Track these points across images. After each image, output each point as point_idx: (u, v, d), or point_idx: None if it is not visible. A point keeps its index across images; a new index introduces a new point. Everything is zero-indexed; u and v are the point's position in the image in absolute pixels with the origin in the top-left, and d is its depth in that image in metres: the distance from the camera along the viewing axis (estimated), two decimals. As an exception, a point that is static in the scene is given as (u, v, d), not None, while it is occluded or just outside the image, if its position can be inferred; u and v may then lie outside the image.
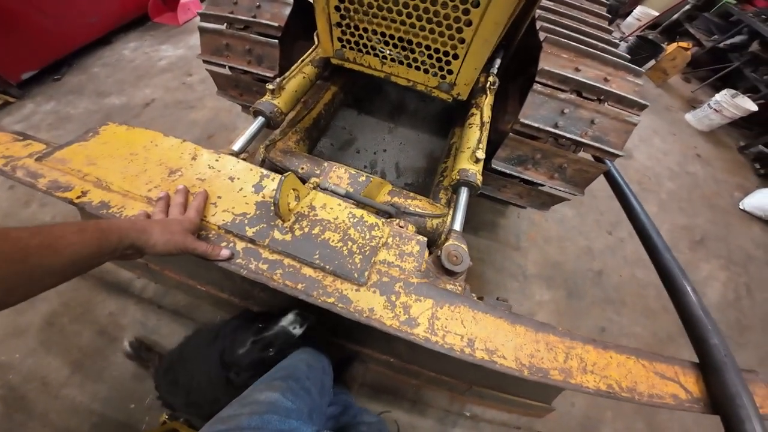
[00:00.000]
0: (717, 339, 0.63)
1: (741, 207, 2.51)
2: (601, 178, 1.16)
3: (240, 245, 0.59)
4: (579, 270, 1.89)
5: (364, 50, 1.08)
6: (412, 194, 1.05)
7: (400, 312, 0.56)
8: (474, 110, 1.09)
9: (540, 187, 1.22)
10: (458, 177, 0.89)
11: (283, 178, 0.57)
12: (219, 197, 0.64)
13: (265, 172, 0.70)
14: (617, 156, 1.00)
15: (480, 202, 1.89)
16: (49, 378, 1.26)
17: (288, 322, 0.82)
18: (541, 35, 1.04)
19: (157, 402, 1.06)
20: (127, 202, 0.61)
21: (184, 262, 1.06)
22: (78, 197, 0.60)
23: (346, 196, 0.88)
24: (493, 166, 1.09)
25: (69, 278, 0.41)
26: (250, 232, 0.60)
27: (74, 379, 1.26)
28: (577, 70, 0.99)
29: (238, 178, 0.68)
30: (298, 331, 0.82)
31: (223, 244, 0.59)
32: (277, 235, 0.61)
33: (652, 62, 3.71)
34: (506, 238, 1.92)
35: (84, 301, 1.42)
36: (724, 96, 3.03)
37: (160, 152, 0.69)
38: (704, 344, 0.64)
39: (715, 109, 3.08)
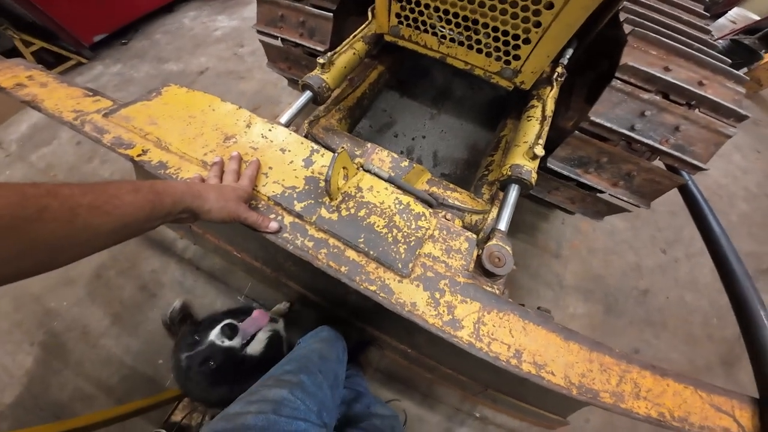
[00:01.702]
0: None
1: (827, 241, 2.17)
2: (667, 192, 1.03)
3: (288, 219, 0.58)
4: (623, 287, 1.75)
5: (422, 28, 1.01)
6: (452, 186, 1.00)
7: (443, 311, 0.53)
8: (535, 102, 1.00)
9: (599, 194, 1.11)
10: (510, 173, 0.82)
11: (336, 154, 0.55)
12: (270, 168, 0.64)
13: (315, 146, 0.68)
14: (700, 170, 0.88)
15: (521, 201, 1.77)
16: (89, 327, 1.36)
17: (215, 335, 0.81)
18: (626, 27, 0.91)
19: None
20: (183, 164, 0.62)
21: (225, 228, 1.10)
22: (138, 155, 0.62)
23: (389, 180, 0.85)
24: (548, 165, 1.00)
25: (119, 241, 0.39)
26: (298, 206, 0.59)
27: (112, 330, 1.36)
28: (666, 69, 0.86)
29: (290, 151, 0.67)
30: (227, 343, 0.81)
31: (272, 216, 0.58)
32: (324, 212, 0.59)
33: (745, 70, 3.25)
34: (546, 243, 1.81)
35: (131, 256, 1.54)
36: (825, 112, 2.58)
37: (217, 117, 0.70)
38: None
39: (811, 127, 2.64)
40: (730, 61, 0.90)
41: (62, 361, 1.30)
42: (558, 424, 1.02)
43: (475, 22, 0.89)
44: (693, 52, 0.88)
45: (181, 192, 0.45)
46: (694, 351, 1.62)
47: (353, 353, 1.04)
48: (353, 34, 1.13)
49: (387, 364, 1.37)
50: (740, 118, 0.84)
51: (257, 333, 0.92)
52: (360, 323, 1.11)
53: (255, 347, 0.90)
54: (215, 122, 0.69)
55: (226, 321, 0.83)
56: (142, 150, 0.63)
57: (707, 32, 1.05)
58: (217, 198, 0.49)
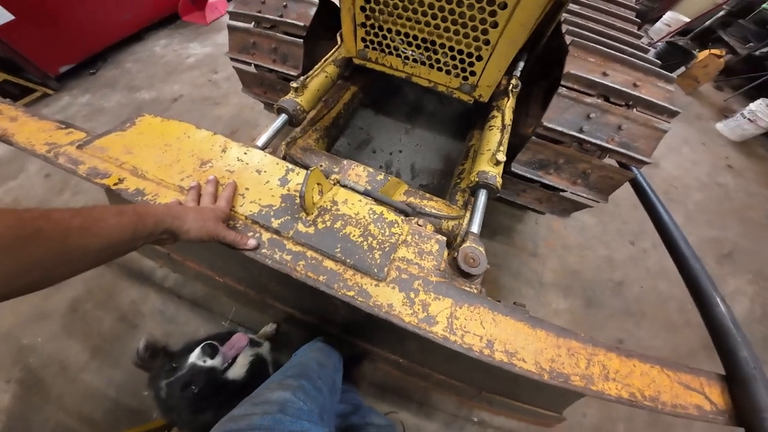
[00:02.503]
0: (747, 351, 0.62)
1: (776, 222, 2.38)
2: (626, 186, 1.13)
3: (266, 236, 0.61)
4: (598, 280, 1.84)
5: (386, 51, 1.09)
6: (428, 195, 1.05)
7: (418, 309, 0.56)
8: (495, 112, 1.08)
9: (561, 193, 1.19)
10: (477, 179, 0.88)
11: (309, 172, 0.59)
12: (247, 189, 0.66)
13: (290, 166, 0.71)
14: (645, 163, 0.97)
15: (497, 206, 1.87)
16: (68, 362, 1.30)
17: (196, 356, 0.82)
18: (568, 38, 1.02)
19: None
20: (160, 190, 0.64)
21: (206, 253, 1.10)
22: (115, 184, 0.63)
23: (365, 194, 0.89)
24: (513, 169, 1.08)
25: (105, 261, 0.41)
26: (275, 223, 0.62)
27: (92, 364, 1.31)
28: (604, 74, 0.97)
29: (265, 171, 0.70)
30: (209, 363, 0.82)
31: (250, 234, 0.60)
32: (300, 227, 0.62)
33: (682, 69, 3.57)
34: (523, 244, 1.89)
35: (108, 288, 1.49)
36: (759, 105, 2.89)
37: (193, 144, 0.72)
38: (733, 356, 0.62)
39: (749, 119, 2.94)
40: (660, 62, 1.02)
41: (42, 397, 1.24)
42: (555, 421, 1.03)
43: (434, 43, 0.97)
44: (626, 57, 0.99)
45: (162, 213, 0.47)
46: (675, 337, 1.70)
47: (346, 369, 1.04)
48: (324, 58, 1.20)
49: (380, 377, 1.37)
50: (672, 114, 0.94)
51: (238, 356, 0.91)
52: (350, 338, 1.12)
53: (237, 371, 0.90)
54: (191, 149, 0.72)
55: (206, 342, 0.83)
56: (119, 179, 0.64)
57: (639, 37, 1.18)
58: (195, 218, 0.51)
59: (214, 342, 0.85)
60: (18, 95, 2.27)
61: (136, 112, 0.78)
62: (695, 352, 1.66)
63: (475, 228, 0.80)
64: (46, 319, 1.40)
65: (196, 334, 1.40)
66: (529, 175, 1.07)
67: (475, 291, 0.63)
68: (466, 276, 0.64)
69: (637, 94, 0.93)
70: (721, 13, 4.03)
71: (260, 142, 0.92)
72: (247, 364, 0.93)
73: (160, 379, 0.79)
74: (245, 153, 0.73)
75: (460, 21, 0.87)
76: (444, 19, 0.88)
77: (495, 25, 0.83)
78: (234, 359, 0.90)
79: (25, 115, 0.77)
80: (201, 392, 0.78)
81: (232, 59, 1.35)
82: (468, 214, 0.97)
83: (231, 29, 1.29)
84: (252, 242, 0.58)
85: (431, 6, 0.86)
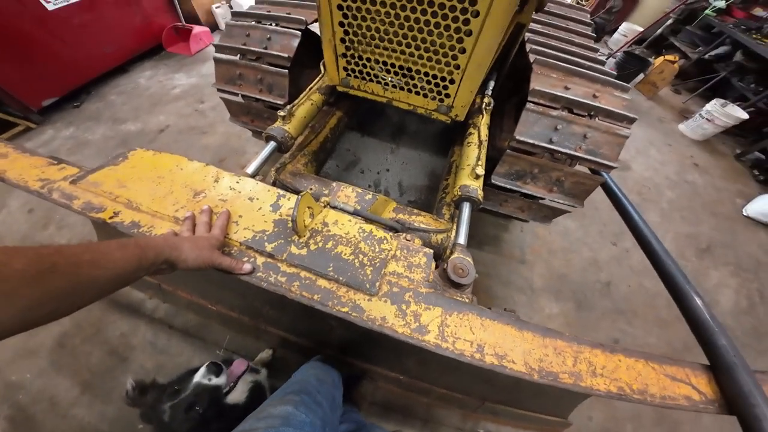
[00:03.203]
0: (725, 340, 0.64)
1: (744, 213, 2.53)
2: (601, 190, 1.20)
3: (260, 260, 0.63)
4: (586, 282, 1.89)
5: (367, 78, 1.16)
6: (416, 211, 1.10)
7: (410, 320, 0.59)
8: (472, 130, 1.16)
9: (540, 201, 1.26)
10: (460, 193, 0.93)
11: (299, 197, 0.62)
12: (240, 216, 0.69)
13: (281, 192, 0.75)
14: (612, 168, 1.05)
15: (483, 217, 1.93)
16: (58, 398, 1.26)
17: (201, 375, 0.84)
18: (531, 57, 1.12)
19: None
20: (155, 221, 0.66)
21: (197, 282, 1.10)
22: (111, 217, 0.65)
23: (355, 213, 0.93)
24: (492, 181, 1.14)
25: (112, 291, 0.43)
26: (269, 247, 0.64)
27: (83, 399, 1.27)
28: (566, 88, 1.06)
29: (257, 198, 0.73)
30: (214, 381, 0.83)
31: (245, 259, 0.62)
32: (293, 249, 0.65)
33: (641, 76, 3.85)
34: (511, 251, 1.94)
35: (96, 322, 1.45)
36: (714, 106, 3.12)
37: (185, 175, 0.75)
38: (712, 346, 0.64)
39: (707, 119, 3.16)
40: (615, 73, 1.12)
41: None
42: (561, 426, 1.04)
43: (410, 69, 1.05)
44: (585, 70, 1.09)
45: (161, 245, 0.50)
46: (669, 333, 1.74)
47: (345, 389, 1.03)
48: (309, 87, 1.26)
49: (382, 396, 1.35)
50: (630, 120, 1.03)
51: (238, 382, 0.91)
52: (348, 358, 1.11)
53: (237, 397, 0.89)
54: (184, 180, 0.74)
55: (211, 361, 0.84)
56: (114, 212, 0.66)
57: (595, 50, 1.30)
58: (191, 248, 0.53)
59: (217, 361, 0.85)
60: (0, 130, 2.23)
61: (122, 144, 0.80)
62: (690, 346, 1.69)
63: (462, 239, 0.84)
64: (33, 356, 1.35)
65: (190, 363, 1.36)
66: (508, 186, 1.13)
67: (467, 300, 0.66)
68: (457, 286, 0.67)
69: (597, 104, 1.02)
70: (670, 21, 4.40)
71: (250, 169, 0.96)
72: (247, 390, 0.93)
73: (163, 403, 0.78)
74: (237, 182, 0.76)
75: (432, 48, 0.94)
76: (417, 48, 0.96)
77: (463, 50, 0.91)
78: (236, 383, 0.90)
79: (15, 152, 0.77)
80: (204, 415, 0.77)
81: (219, 90, 1.40)
82: (454, 227, 1.01)
83: (217, 61, 1.34)
84: (247, 267, 0.60)
85: (405, 36, 0.94)
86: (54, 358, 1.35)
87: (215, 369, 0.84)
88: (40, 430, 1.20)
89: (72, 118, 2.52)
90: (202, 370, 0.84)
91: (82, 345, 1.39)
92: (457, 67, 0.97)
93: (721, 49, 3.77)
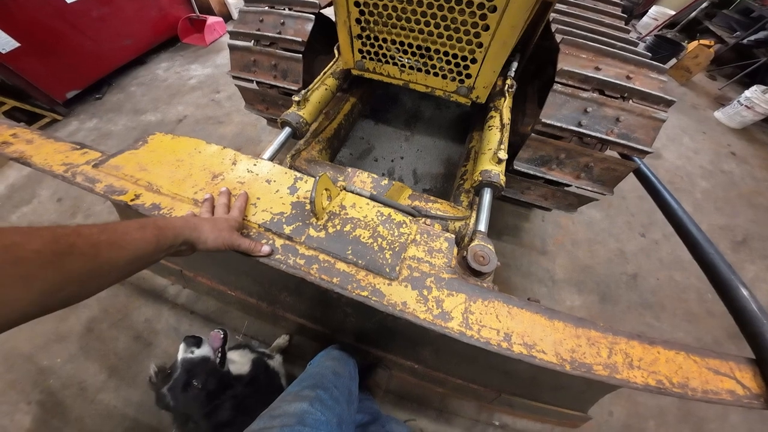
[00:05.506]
0: None
1: (786, 206, 2.34)
2: (630, 179, 1.13)
3: (279, 242, 0.62)
4: (611, 274, 1.81)
5: (383, 60, 1.12)
6: (432, 198, 1.06)
7: (432, 306, 0.56)
8: (493, 113, 1.10)
9: (566, 188, 1.20)
10: (481, 178, 0.89)
11: (317, 178, 0.61)
12: (258, 198, 0.68)
13: (298, 174, 0.73)
14: (647, 153, 0.98)
15: (502, 206, 1.87)
16: (86, 383, 1.32)
17: (183, 350, 0.84)
18: (558, 37, 1.05)
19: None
20: (175, 204, 0.66)
21: (217, 268, 1.11)
22: (132, 200, 0.65)
23: (371, 198, 0.90)
24: (515, 167, 1.09)
25: (132, 273, 0.42)
26: (287, 230, 0.63)
27: (110, 384, 1.32)
28: (597, 69, 0.99)
29: (275, 181, 0.72)
30: (198, 353, 0.84)
31: (264, 241, 0.62)
32: (312, 232, 0.63)
33: (674, 61, 3.62)
34: (531, 242, 1.88)
35: (122, 308, 1.50)
36: (754, 92, 2.90)
37: (203, 158, 0.75)
38: (761, 339, 0.60)
39: (746, 106, 2.95)
40: (650, 54, 1.04)
41: (62, 419, 1.24)
42: (580, 421, 1.00)
43: (428, 49, 1.01)
44: (617, 51, 1.01)
45: (180, 226, 0.49)
46: (698, 328, 1.66)
47: (360, 378, 1.03)
48: (323, 71, 1.24)
49: (396, 385, 1.35)
50: (668, 103, 0.95)
51: (225, 350, 0.93)
52: (363, 346, 1.11)
53: (240, 368, 0.91)
54: (202, 163, 0.74)
55: (186, 336, 0.86)
56: (135, 195, 0.66)
57: (627, 31, 1.21)
58: (211, 229, 0.53)
59: (193, 334, 0.87)
60: (27, 121, 2.30)
61: (142, 134, 0.81)
62: (720, 341, 1.61)
63: (482, 226, 0.81)
64: (64, 341, 1.41)
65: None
66: (532, 172, 1.08)
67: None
68: (477, 274, 0.64)
69: (631, 85, 0.95)
70: (705, 4, 4.11)
71: (266, 155, 0.95)
72: (249, 362, 0.95)
73: (161, 390, 0.80)
74: (255, 164, 0.75)
75: (452, 26, 0.90)
76: (437, 26, 0.91)
77: (486, 28, 0.86)
78: (222, 353, 0.91)
79: (40, 138, 0.79)
80: (206, 388, 0.78)
81: (234, 77, 1.40)
82: (474, 214, 0.98)
83: (232, 48, 1.33)
84: (266, 249, 0.59)
85: (424, 14, 0.90)
86: (83, 343, 1.41)
87: (194, 340, 0.85)
88: (69, 416, 1.25)
89: (95, 110, 2.60)
90: (182, 345, 0.84)
91: (109, 330, 1.44)
92: (480, 45, 0.92)
93: (761, 34, 3.52)
